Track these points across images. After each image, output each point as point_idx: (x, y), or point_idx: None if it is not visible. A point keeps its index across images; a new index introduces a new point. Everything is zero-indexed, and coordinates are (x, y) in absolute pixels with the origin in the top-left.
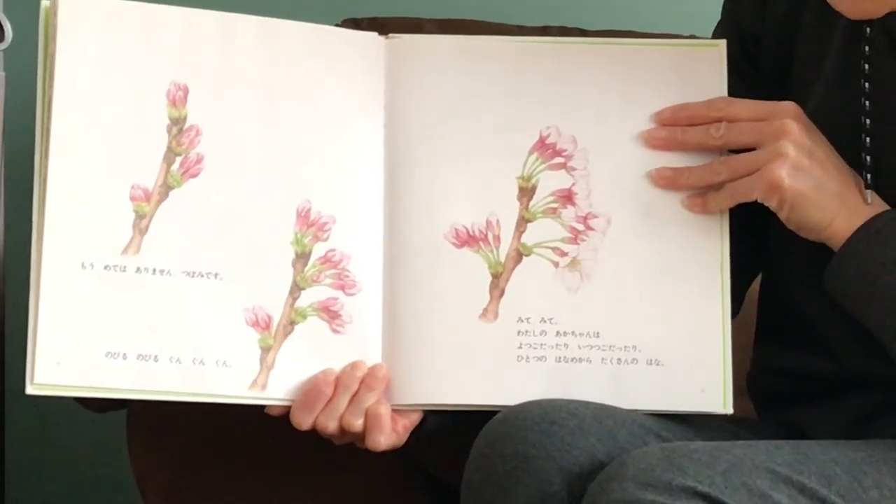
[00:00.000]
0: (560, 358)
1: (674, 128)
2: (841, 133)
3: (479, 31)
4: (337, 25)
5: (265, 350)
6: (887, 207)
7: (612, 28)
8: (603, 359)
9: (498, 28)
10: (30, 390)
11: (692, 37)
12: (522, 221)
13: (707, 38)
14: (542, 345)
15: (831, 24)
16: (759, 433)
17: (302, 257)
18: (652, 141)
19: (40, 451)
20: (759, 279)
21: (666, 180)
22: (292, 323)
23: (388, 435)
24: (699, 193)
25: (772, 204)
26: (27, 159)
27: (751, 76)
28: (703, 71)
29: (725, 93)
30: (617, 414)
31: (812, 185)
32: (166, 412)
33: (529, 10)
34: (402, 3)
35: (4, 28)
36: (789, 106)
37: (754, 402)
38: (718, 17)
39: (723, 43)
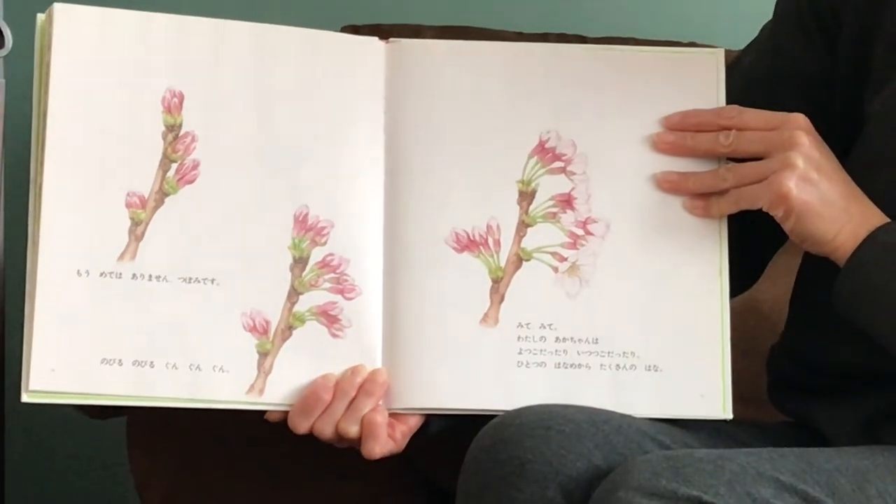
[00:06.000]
0: (560, 364)
1: (683, 133)
2: None
3: (478, 38)
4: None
5: (263, 355)
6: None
7: (612, 35)
8: (602, 365)
9: (498, 34)
10: (25, 398)
11: (692, 43)
12: (522, 226)
13: (707, 45)
14: (541, 350)
15: None
16: (758, 436)
17: (300, 262)
18: (660, 144)
19: (40, 456)
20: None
21: (671, 184)
22: (290, 328)
23: (382, 444)
24: (701, 197)
25: (777, 214)
26: (27, 165)
27: (821, 45)
28: (701, 78)
29: (723, 101)
30: (613, 419)
31: (819, 197)
32: (166, 418)
33: (529, 16)
34: (403, 10)
35: (4, 35)
36: (799, 118)
37: (769, 381)
38: (719, 24)
39: (720, 51)
